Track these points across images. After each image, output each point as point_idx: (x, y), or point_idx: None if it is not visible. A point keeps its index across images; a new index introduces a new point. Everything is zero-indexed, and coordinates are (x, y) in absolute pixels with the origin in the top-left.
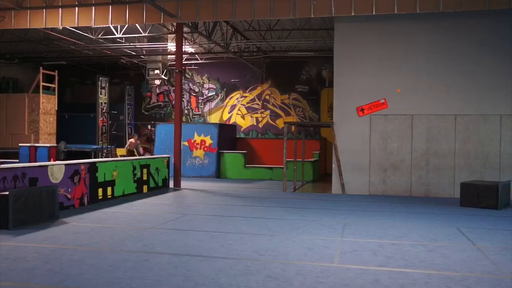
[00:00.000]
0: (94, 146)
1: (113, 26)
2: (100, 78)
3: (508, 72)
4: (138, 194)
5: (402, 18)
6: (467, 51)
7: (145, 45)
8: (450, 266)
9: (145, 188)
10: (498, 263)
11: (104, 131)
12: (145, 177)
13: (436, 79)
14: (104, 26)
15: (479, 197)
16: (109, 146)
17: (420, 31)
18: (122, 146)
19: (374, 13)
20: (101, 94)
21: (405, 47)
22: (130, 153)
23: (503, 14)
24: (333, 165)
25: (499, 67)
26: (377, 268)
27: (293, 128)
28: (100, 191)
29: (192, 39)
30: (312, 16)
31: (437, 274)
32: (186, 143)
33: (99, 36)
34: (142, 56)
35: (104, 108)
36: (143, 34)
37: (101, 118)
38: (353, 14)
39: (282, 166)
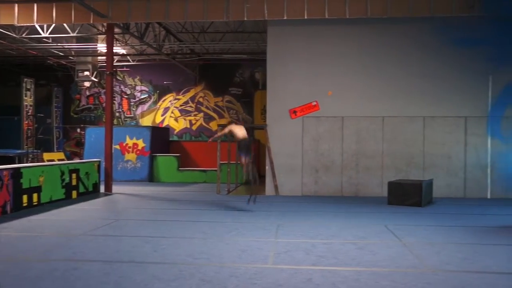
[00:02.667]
0: (19, 151)
1: (39, 25)
2: (25, 80)
3: (431, 76)
4: (67, 200)
5: (333, 23)
6: (394, 55)
7: (73, 45)
8: (378, 263)
9: (74, 193)
10: (421, 258)
11: (29, 135)
12: (74, 182)
13: (365, 82)
14: (29, 24)
15: (405, 195)
16: (35, 151)
17: (350, 35)
18: (50, 150)
19: (306, 17)
20: (26, 96)
21: (335, 51)
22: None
23: (428, 21)
24: (267, 167)
25: (422, 71)
26: (309, 267)
27: None
28: (25, 198)
29: (124, 40)
30: (245, 19)
31: (366, 271)
32: (117, 147)
33: (24, 35)
34: (71, 57)
35: (30, 111)
36: (72, 34)
37: (26, 121)
38: (285, 18)
39: (216, 169)
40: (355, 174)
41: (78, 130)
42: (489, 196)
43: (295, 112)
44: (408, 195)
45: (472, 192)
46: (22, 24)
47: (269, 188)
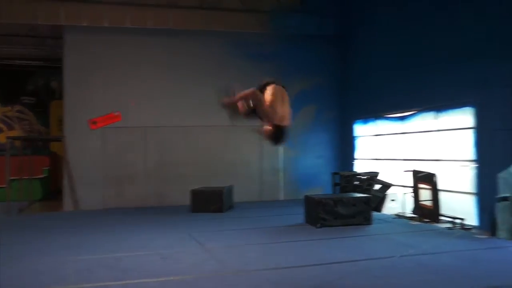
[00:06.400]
0: None
1: None
2: None
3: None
4: None
5: (136, 32)
6: (194, 67)
7: None
8: (183, 270)
9: None
10: (223, 261)
11: None
12: None
13: (167, 93)
14: None
15: (207, 202)
16: None
17: (153, 46)
18: None
19: (107, 25)
20: None
21: (137, 61)
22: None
23: (223, 35)
24: (65, 181)
25: (219, 83)
26: (114, 283)
27: (17, 143)
28: None
29: None
30: (38, 22)
31: (172, 280)
32: None
33: None
34: None
35: None
36: None
37: None
38: (85, 24)
39: (5, 186)
40: (159, 184)
41: None
42: (282, 198)
43: (95, 122)
44: (210, 202)
45: (268, 195)
46: None
47: (67, 203)
